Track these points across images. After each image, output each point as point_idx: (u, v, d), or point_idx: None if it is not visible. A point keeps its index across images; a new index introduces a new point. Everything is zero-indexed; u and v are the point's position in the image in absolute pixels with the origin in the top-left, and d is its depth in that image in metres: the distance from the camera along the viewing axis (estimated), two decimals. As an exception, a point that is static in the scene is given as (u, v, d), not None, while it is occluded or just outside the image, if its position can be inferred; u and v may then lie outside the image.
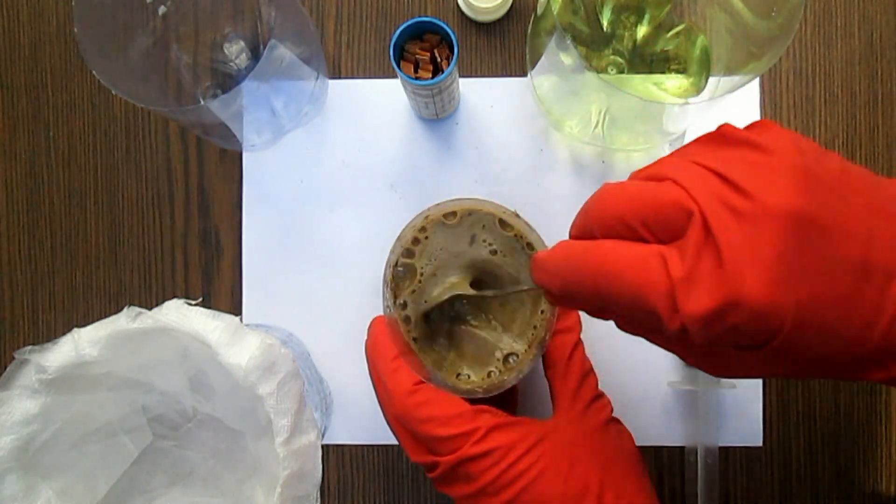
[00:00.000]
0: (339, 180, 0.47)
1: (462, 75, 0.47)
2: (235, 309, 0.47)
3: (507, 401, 0.41)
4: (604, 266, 0.25)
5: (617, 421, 0.38)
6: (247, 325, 0.36)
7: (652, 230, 0.25)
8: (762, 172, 0.24)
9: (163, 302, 0.36)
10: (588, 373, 0.38)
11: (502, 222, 0.37)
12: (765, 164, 0.24)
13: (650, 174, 0.26)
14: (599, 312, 0.28)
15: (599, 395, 0.38)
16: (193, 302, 0.36)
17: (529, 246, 0.36)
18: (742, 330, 0.23)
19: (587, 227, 0.27)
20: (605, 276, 0.25)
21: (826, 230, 0.23)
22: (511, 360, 0.38)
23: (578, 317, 0.38)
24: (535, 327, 0.37)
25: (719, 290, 0.22)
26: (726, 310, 0.23)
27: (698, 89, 0.42)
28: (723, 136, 0.26)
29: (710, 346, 0.25)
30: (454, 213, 0.37)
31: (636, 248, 0.25)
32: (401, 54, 0.40)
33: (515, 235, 0.36)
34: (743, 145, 0.25)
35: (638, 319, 0.27)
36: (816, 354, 0.24)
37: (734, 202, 0.23)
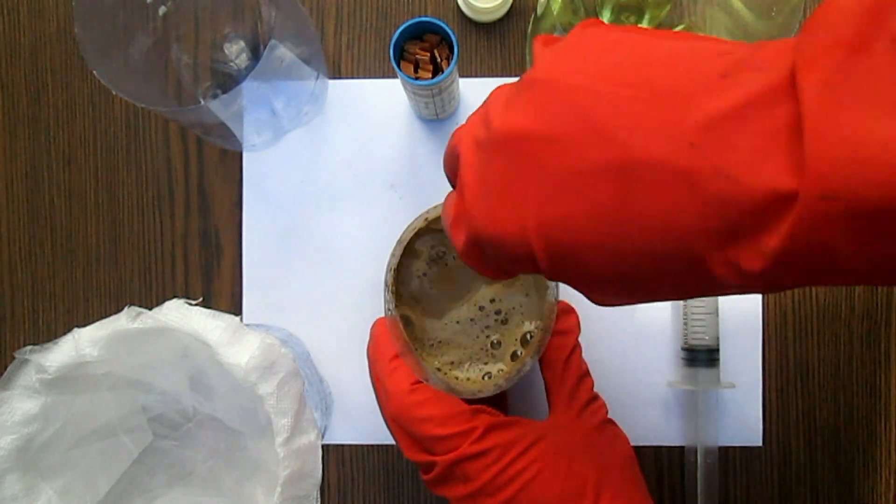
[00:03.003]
0: (339, 180, 0.47)
1: (462, 75, 0.47)
2: (235, 309, 0.47)
3: (498, 402, 0.41)
4: (443, 215, 0.27)
5: (612, 423, 0.38)
6: (247, 325, 0.36)
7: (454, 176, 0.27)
8: (514, 97, 0.23)
9: (163, 302, 0.36)
10: (584, 375, 0.38)
11: None
12: (523, 85, 0.23)
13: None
14: None
15: (595, 398, 0.38)
16: (193, 302, 0.36)
17: None
18: (501, 257, 0.24)
19: None
20: (443, 224, 0.27)
21: (562, 142, 0.21)
22: (510, 361, 0.38)
23: (577, 319, 0.39)
24: (534, 328, 0.38)
25: (463, 225, 0.24)
26: (474, 242, 0.24)
27: (698, 89, 0.42)
28: (532, 52, 0.27)
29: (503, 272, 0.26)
30: None
31: (450, 196, 0.27)
32: (401, 54, 0.40)
33: None
34: (532, 63, 0.25)
35: None
36: (610, 270, 0.22)
37: (478, 133, 0.24)
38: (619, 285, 0.22)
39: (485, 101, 0.26)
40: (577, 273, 0.22)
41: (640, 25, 0.24)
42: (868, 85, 0.16)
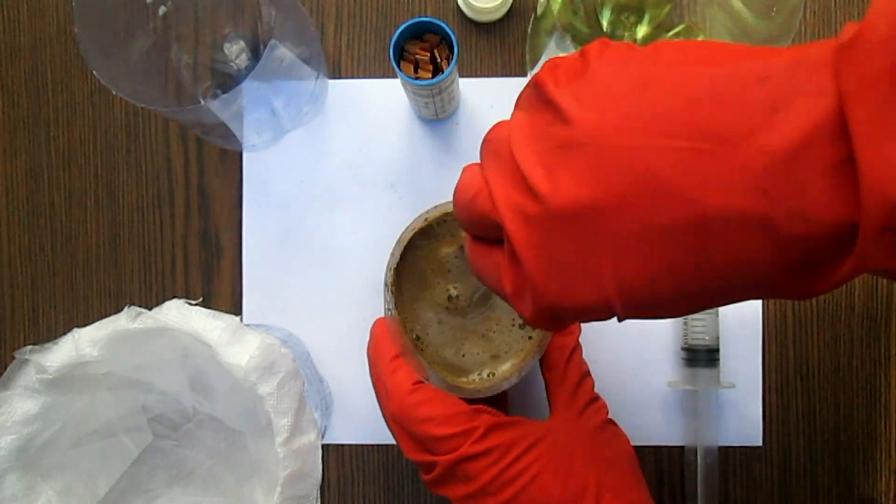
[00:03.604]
0: (339, 180, 0.47)
1: (462, 75, 0.47)
2: (235, 309, 0.47)
3: (499, 402, 0.41)
4: (476, 271, 0.27)
5: (613, 423, 0.38)
6: (247, 325, 0.36)
7: (488, 235, 0.25)
8: (558, 161, 0.22)
9: (163, 302, 0.36)
10: (585, 375, 0.38)
11: None
12: (564, 146, 0.22)
13: (480, 152, 0.26)
14: None
15: (596, 398, 0.38)
16: (193, 302, 0.36)
17: None
18: (579, 319, 0.24)
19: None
20: (482, 279, 0.26)
21: (630, 206, 0.20)
22: (511, 361, 0.38)
23: (577, 320, 0.39)
24: (534, 328, 0.38)
25: (533, 300, 0.23)
26: (547, 314, 0.23)
27: (698, 89, 0.42)
28: (536, 91, 0.24)
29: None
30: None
31: (487, 254, 0.26)
32: (401, 54, 0.40)
33: None
34: (552, 110, 0.23)
35: None
36: (687, 309, 0.22)
37: (526, 207, 0.22)
38: (683, 313, 0.23)
39: (493, 150, 0.24)
40: (652, 315, 0.23)
41: (660, 40, 0.23)
42: None
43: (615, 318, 0.23)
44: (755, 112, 0.19)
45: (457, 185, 0.26)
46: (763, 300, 0.46)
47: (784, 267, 0.19)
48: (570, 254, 0.22)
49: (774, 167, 0.18)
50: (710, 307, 0.22)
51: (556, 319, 0.24)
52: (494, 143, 0.25)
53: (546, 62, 0.25)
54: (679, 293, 0.21)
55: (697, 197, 0.19)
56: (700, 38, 0.43)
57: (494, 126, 0.26)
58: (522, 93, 0.25)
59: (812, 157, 0.18)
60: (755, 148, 0.18)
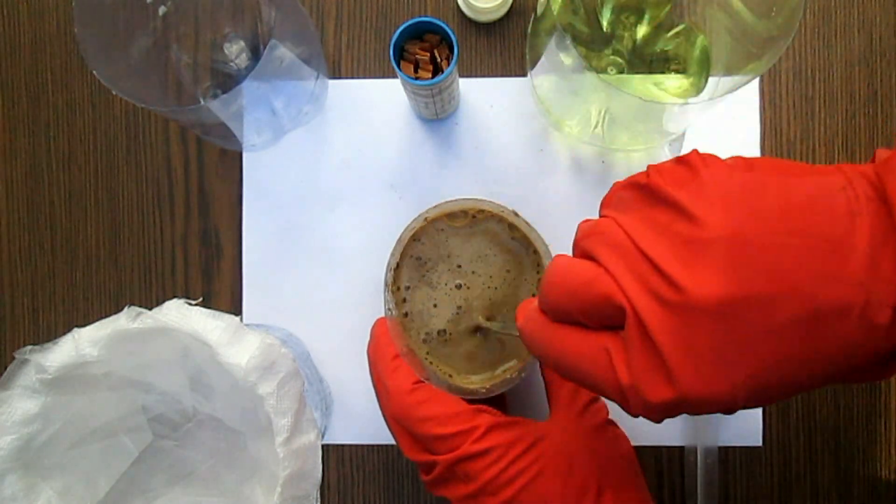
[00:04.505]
0: (339, 180, 0.47)
1: (462, 75, 0.47)
2: (235, 309, 0.47)
3: (497, 402, 0.41)
4: (561, 355, 0.27)
5: (613, 423, 0.38)
6: (247, 325, 0.36)
7: (593, 320, 0.26)
8: (691, 255, 0.23)
9: (163, 302, 0.36)
10: None
11: (511, 226, 0.37)
12: (694, 242, 0.23)
13: (583, 247, 0.27)
14: None
15: (596, 399, 0.38)
16: (193, 302, 0.36)
17: (535, 252, 0.37)
18: (698, 412, 0.24)
19: (547, 304, 0.28)
20: (565, 366, 0.27)
21: (762, 301, 0.22)
22: (512, 361, 0.38)
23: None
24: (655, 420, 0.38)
25: (663, 390, 0.24)
26: (674, 403, 0.24)
27: (698, 89, 0.42)
28: (651, 192, 0.26)
29: None
30: (458, 214, 0.37)
31: (585, 339, 0.26)
32: (401, 54, 0.40)
33: (522, 237, 0.37)
34: (671, 209, 0.25)
35: None
36: (790, 396, 0.25)
37: (664, 294, 0.23)
38: (786, 399, 0.26)
39: (608, 241, 0.25)
40: (759, 405, 0.25)
41: (755, 159, 0.26)
42: None
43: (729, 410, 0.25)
44: (842, 218, 0.22)
45: (556, 269, 0.27)
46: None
47: (873, 353, 0.23)
48: (706, 345, 0.23)
49: (867, 264, 0.22)
50: (805, 391, 0.25)
51: (675, 410, 0.24)
52: (608, 235, 0.25)
53: (650, 167, 0.26)
54: (790, 382, 0.23)
55: (812, 291, 0.22)
56: (700, 39, 0.43)
57: (596, 222, 0.27)
58: (615, 194, 0.27)
59: (888, 251, 0.22)
60: (849, 247, 0.22)
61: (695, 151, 0.26)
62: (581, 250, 0.27)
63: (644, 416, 0.25)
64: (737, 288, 0.22)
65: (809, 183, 0.23)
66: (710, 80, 0.42)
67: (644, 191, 0.26)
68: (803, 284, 0.22)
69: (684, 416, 0.45)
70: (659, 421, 0.25)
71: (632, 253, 0.25)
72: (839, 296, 0.22)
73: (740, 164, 0.25)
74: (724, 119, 0.46)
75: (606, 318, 0.25)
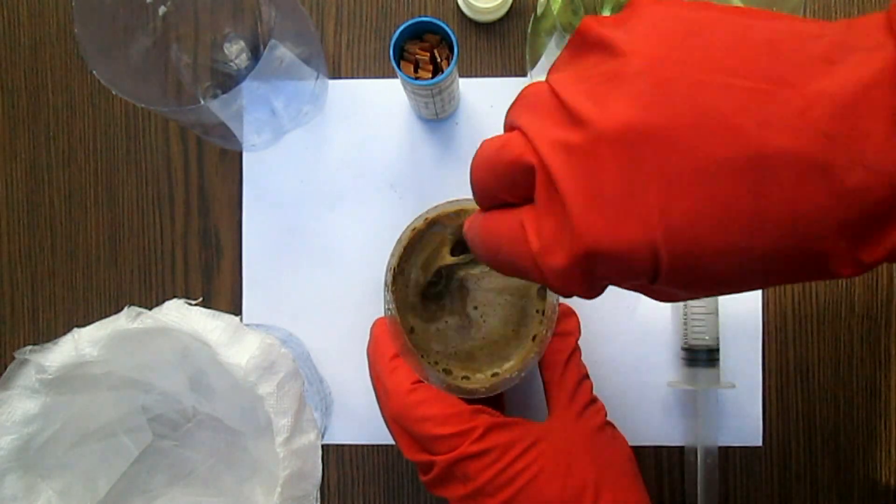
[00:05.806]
0: (339, 180, 0.47)
1: (462, 75, 0.47)
2: (235, 309, 0.47)
3: (495, 403, 0.41)
4: (486, 241, 0.24)
5: (612, 425, 0.38)
6: (247, 325, 0.36)
7: (514, 194, 0.23)
8: (606, 91, 0.20)
9: (163, 302, 0.36)
10: (584, 377, 0.38)
11: None
12: (614, 78, 0.20)
13: (508, 118, 0.24)
14: None
15: (594, 400, 0.38)
16: (193, 302, 0.36)
17: None
18: (616, 274, 0.21)
19: (473, 190, 0.25)
20: (493, 252, 0.24)
21: (683, 134, 0.19)
22: (511, 362, 0.38)
23: (577, 322, 0.39)
24: (534, 328, 0.38)
25: (570, 246, 0.20)
26: (585, 263, 0.21)
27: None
28: (581, 37, 0.22)
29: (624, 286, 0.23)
30: (458, 214, 0.37)
31: (505, 217, 0.23)
32: (401, 54, 0.40)
33: None
34: (598, 49, 0.21)
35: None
36: (732, 272, 0.20)
37: (569, 137, 0.20)
38: (725, 286, 0.21)
39: (530, 101, 0.22)
40: (694, 279, 0.21)
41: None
42: None
43: (650, 290, 0.22)
44: (813, 62, 0.18)
45: (476, 155, 0.24)
46: (762, 298, 0.46)
47: (839, 224, 0.18)
48: (615, 185, 0.20)
49: (837, 112, 0.18)
50: (755, 282, 0.20)
51: (591, 274, 0.21)
52: (531, 95, 0.23)
53: (587, 17, 0.23)
54: (729, 242, 0.19)
55: (758, 135, 0.18)
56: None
57: (528, 85, 0.24)
58: (559, 57, 0.24)
59: (873, 104, 0.17)
60: (817, 92, 0.18)
61: None
62: (507, 123, 0.24)
63: (563, 289, 0.22)
64: (648, 115, 0.19)
65: (777, 26, 0.20)
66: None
67: (577, 39, 0.23)
68: (743, 126, 0.18)
69: (684, 416, 0.46)
70: (584, 293, 0.22)
71: (548, 103, 0.22)
72: (792, 145, 0.18)
73: (692, 4, 0.21)
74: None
75: (522, 187, 0.22)
